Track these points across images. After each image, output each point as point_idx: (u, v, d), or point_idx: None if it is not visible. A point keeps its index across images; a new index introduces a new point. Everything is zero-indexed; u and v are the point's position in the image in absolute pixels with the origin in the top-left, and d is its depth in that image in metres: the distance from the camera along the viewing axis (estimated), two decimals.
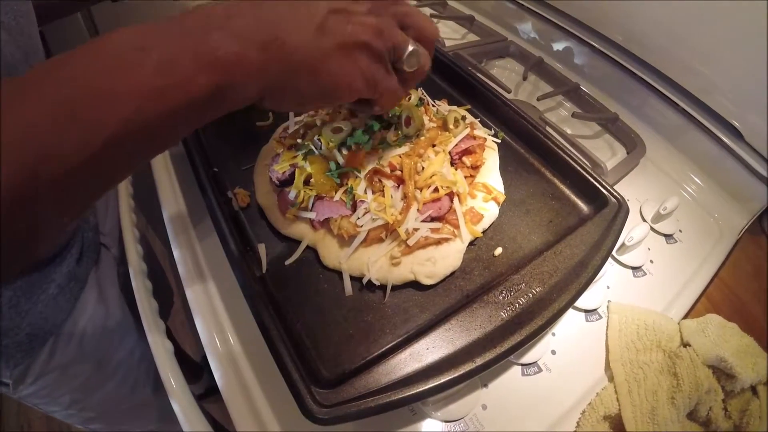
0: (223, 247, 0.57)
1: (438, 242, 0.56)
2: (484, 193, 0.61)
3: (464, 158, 0.63)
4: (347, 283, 0.55)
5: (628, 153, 0.82)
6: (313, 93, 0.42)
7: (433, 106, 0.69)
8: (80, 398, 0.78)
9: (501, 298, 0.54)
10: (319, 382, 0.47)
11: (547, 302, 0.54)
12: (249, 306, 0.52)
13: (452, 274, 0.57)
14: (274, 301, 0.54)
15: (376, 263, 0.55)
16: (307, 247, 0.58)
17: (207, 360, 0.59)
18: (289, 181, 0.59)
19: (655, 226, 0.74)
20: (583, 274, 0.56)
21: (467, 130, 0.64)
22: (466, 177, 0.61)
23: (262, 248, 0.58)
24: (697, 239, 0.75)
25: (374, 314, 0.54)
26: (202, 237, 0.68)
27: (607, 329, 0.64)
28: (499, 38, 1.00)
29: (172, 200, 0.72)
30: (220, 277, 0.64)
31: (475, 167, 0.63)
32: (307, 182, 0.58)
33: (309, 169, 0.57)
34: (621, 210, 0.62)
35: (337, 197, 0.56)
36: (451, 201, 0.58)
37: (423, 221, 0.56)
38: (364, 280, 0.55)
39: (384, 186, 0.56)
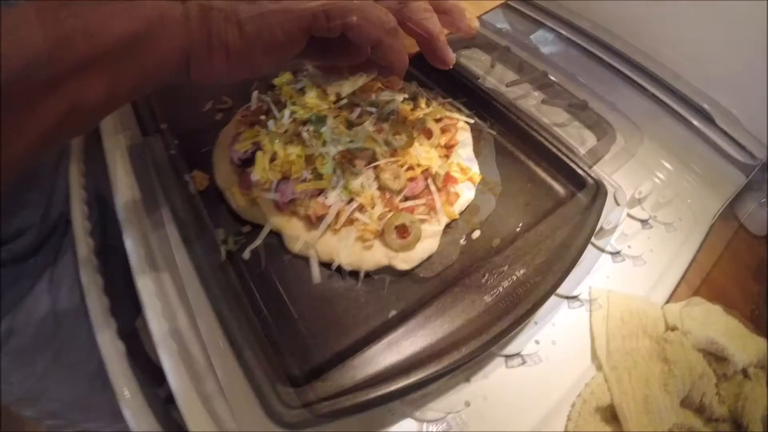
0: (179, 233, 0.49)
1: None
2: (459, 173, 0.55)
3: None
4: (315, 270, 0.48)
5: (598, 140, 0.77)
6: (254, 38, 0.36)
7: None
8: (37, 391, 0.73)
9: (483, 281, 0.47)
10: (286, 380, 0.40)
11: (533, 285, 0.48)
12: (206, 297, 0.45)
13: (429, 258, 0.50)
14: (235, 291, 0.47)
15: (346, 247, 0.47)
16: (271, 231, 0.51)
17: None
18: (251, 160, 0.51)
19: (631, 212, 0.69)
20: (567, 256, 0.51)
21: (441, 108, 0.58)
22: (440, 156, 0.55)
23: (220, 234, 0.50)
24: (672, 225, 0.71)
25: (346, 303, 0.47)
26: (157, 226, 0.59)
27: (590, 316, 0.58)
28: None
29: (125, 184, 0.63)
30: (176, 267, 0.55)
31: (449, 147, 0.57)
32: (270, 161, 0.50)
33: (274, 147, 0.50)
34: (599, 191, 0.58)
35: (303, 177, 0.49)
36: (426, 180, 0.51)
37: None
38: (334, 266, 0.47)
39: (356, 164, 0.49)
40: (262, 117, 0.53)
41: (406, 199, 0.50)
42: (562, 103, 0.79)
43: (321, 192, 0.48)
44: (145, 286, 0.54)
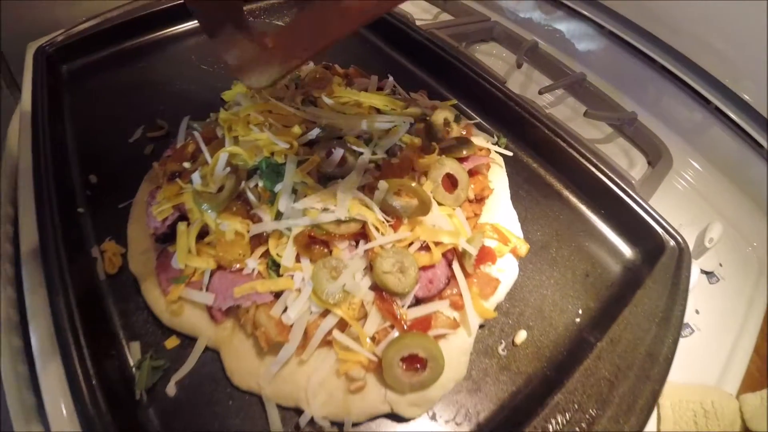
0: (61, 358, 0.27)
1: None
2: (497, 241, 0.33)
3: None
4: (274, 420, 0.26)
5: (650, 164, 0.56)
6: None
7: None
8: None
9: None
10: None
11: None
12: None
13: (452, 387, 0.29)
14: None
15: (321, 388, 0.26)
16: (209, 348, 0.29)
17: None
18: (172, 234, 0.28)
19: (697, 262, 0.48)
20: (654, 371, 0.30)
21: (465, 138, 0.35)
22: (468, 218, 0.32)
23: (135, 352, 0.28)
24: (738, 275, 0.51)
25: None
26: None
27: (658, 422, 0.38)
28: (480, 18, 0.69)
29: (31, 252, 0.40)
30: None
31: (480, 199, 0.34)
32: (203, 236, 0.28)
33: (206, 217, 0.27)
34: (683, 257, 0.36)
35: (249, 268, 0.26)
36: (450, 266, 0.29)
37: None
38: (303, 420, 0.26)
39: (333, 248, 0.27)
40: (187, 164, 0.30)
41: (418, 301, 0.28)
42: (607, 115, 0.56)
43: (278, 296, 0.26)
44: (47, 382, 0.32)
